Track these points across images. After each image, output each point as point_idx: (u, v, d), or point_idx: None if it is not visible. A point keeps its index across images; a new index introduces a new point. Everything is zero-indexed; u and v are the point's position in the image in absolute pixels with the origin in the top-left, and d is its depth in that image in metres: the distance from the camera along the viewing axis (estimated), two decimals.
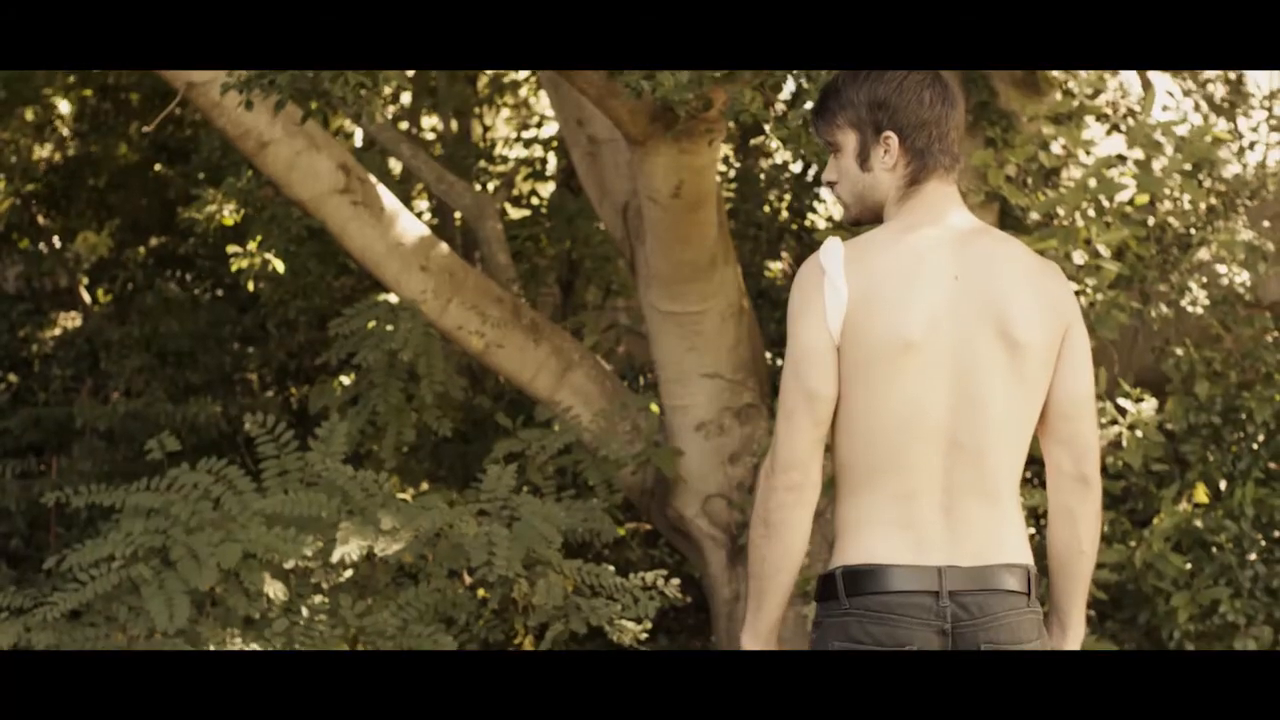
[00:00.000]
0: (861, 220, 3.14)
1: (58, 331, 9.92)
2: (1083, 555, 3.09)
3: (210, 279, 9.81)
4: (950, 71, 4.28)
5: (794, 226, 9.42)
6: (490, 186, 9.56)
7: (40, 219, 9.96)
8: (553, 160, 9.79)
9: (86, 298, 9.97)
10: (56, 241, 10.01)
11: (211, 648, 5.33)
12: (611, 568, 5.96)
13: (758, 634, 3.01)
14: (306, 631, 5.42)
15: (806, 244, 9.28)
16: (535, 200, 9.76)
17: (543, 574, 5.68)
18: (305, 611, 5.53)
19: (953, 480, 2.92)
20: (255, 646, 5.28)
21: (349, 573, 5.73)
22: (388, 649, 5.42)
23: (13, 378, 9.64)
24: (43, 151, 10.59)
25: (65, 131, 10.47)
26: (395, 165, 9.27)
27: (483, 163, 9.67)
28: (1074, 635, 3.17)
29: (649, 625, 5.91)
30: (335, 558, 5.39)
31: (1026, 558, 2.98)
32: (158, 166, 10.29)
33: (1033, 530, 5.83)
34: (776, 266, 9.88)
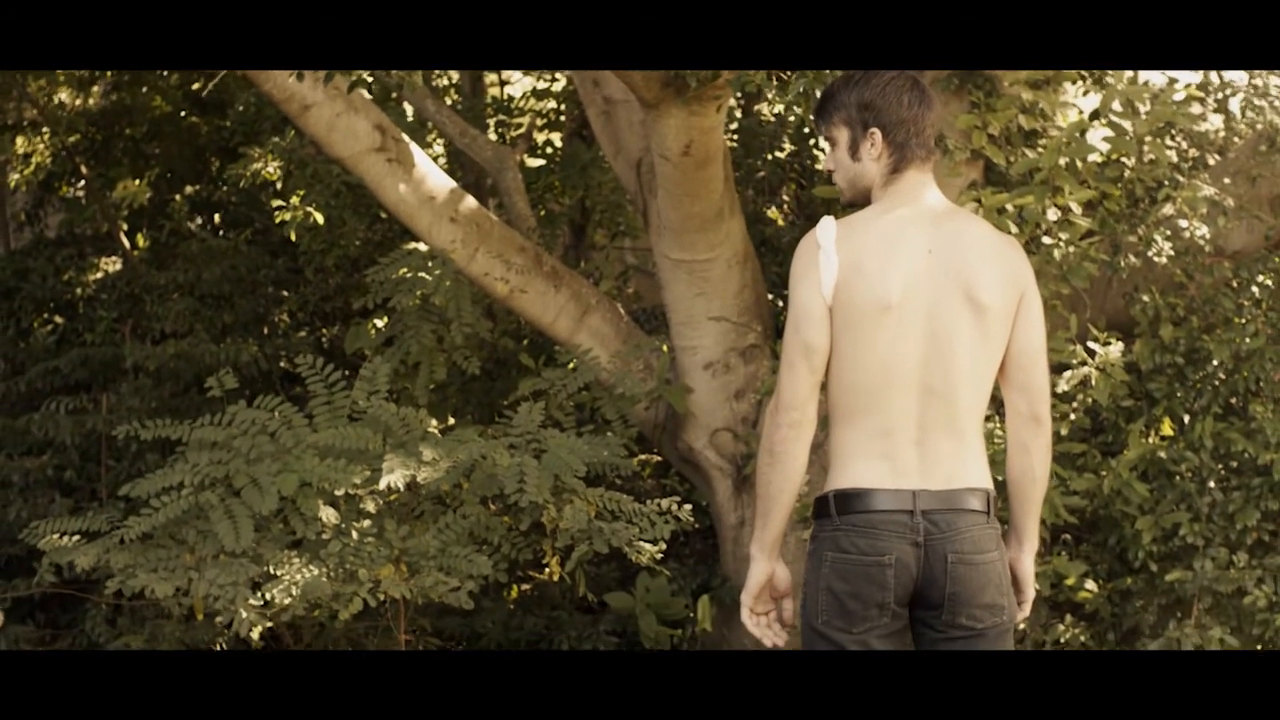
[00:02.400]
0: (855, 202, 3.71)
1: (99, 275, 10.46)
2: (1035, 482, 3.67)
3: (246, 227, 10.34)
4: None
5: (794, 174, 9.95)
6: (508, 138, 10.08)
7: (83, 169, 10.48)
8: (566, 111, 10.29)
9: (125, 243, 10.52)
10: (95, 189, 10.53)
11: (271, 568, 5.93)
12: (629, 496, 6.55)
13: (764, 546, 3.60)
14: (356, 552, 6.02)
15: (806, 190, 9.83)
16: (549, 150, 10.27)
17: (569, 500, 6.27)
18: (355, 534, 6.11)
19: (925, 419, 3.50)
20: (312, 568, 5.87)
21: (393, 497, 6.32)
22: (429, 568, 6.00)
23: (59, 319, 10.19)
24: (79, 102, 11.11)
25: (99, 85, 10.99)
26: (408, 109, 9.74)
27: (500, 115, 10.17)
28: (1029, 547, 3.75)
29: (663, 547, 6.50)
30: (382, 485, 5.97)
31: (986, 482, 3.56)
32: (192, 118, 10.81)
33: None
34: (777, 212, 10.41)
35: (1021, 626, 6.70)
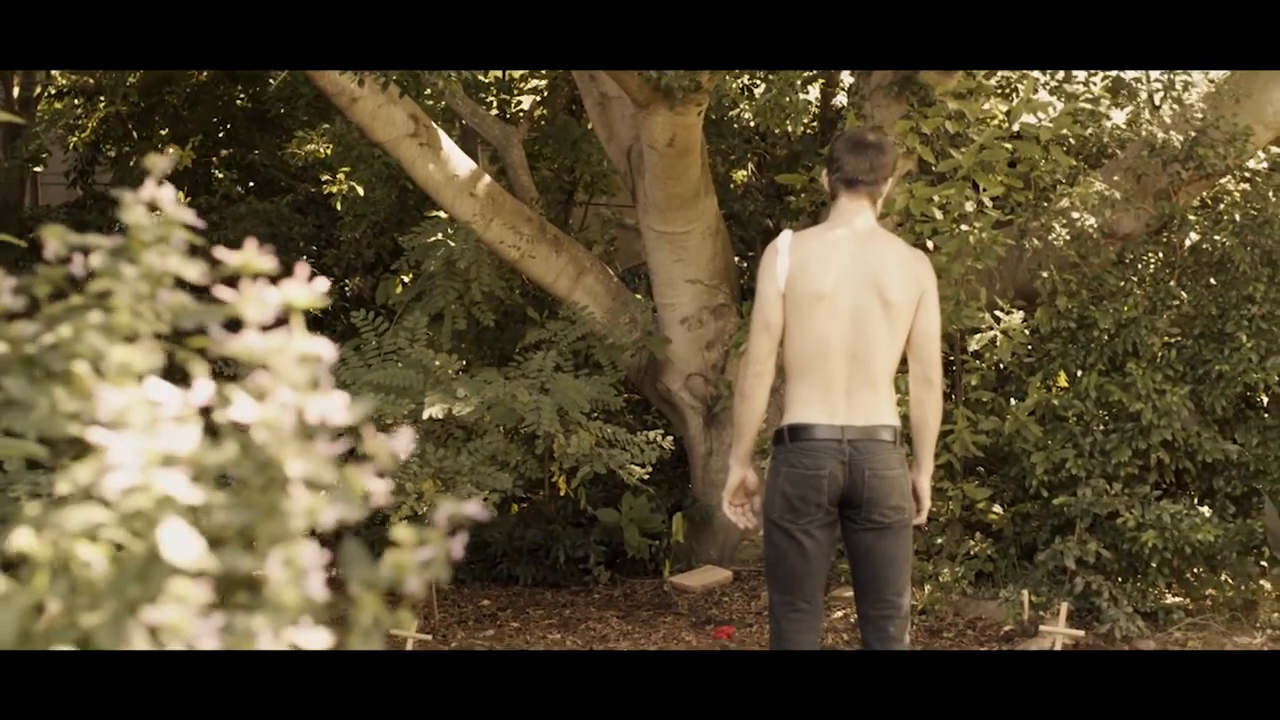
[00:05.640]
0: None
1: None
2: (928, 426, 5.08)
3: (278, 187, 11.70)
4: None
5: (758, 149, 11.33)
6: (508, 113, 11.42)
7: (134, 134, 11.81)
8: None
9: None
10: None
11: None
12: (623, 429, 8.00)
13: (738, 458, 5.00)
14: (403, 470, 7.45)
15: (768, 161, 11.22)
16: (542, 123, 11.60)
17: (574, 430, 7.72)
18: (402, 456, 7.52)
19: (850, 378, 4.91)
20: None
21: (427, 424, 7.74)
22: (463, 482, 7.44)
23: None
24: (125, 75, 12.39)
25: None
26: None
27: (503, 95, 11.51)
28: (926, 471, 5.13)
29: (649, 470, 7.95)
30: (425, 416, 7.40)
31: (895, 421, 4.96)
32: (225, 86, 12.14)
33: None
34: (741, 175, 11.81)
35: (940, 541, 8.18)
